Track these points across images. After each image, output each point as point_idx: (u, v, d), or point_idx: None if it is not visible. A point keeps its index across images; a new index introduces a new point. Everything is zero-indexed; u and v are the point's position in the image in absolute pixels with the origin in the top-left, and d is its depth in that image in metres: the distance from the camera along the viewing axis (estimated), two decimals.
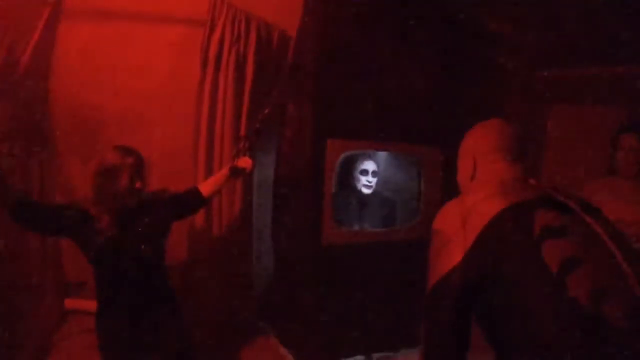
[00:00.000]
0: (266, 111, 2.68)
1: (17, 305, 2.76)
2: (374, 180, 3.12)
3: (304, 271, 2.80)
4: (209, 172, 2.89)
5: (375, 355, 2.97)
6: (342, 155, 2.80)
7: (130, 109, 3.01)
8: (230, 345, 3.02)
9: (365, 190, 3.12)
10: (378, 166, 3.19)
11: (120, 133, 2.88)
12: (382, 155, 3.31)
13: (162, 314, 2.30)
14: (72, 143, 3.09)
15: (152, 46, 3.03)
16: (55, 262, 3.19)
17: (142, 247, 2.17)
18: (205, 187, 2.48)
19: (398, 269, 2.83)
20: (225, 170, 2.53)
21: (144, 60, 3.02)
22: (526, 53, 3.28)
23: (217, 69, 2.85)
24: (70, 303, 3.33)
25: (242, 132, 2.93)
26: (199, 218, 2.90)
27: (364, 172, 3.09)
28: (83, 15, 2.96)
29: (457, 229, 1.23)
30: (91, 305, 3.26)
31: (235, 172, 2.52)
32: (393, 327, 2.95)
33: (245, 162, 2.53)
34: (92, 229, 2.09)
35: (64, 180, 3.07)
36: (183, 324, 2.41)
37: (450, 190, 2.88)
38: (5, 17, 2.52)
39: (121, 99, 3.00)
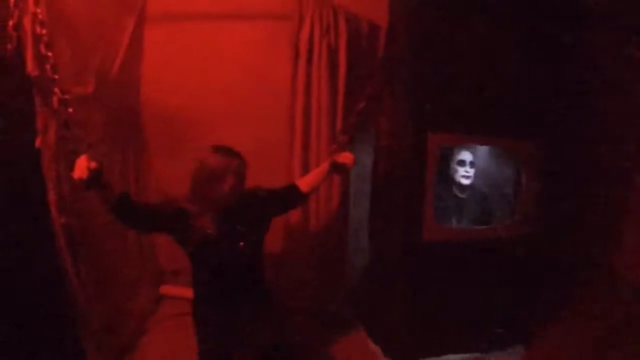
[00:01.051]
0: (362, 105, 2.61)
1: (118, 292, 2.95)
2: (471, 171, 2.97)
3: (401, 266, 2.73)
4: (305, 166, 2.89)
5: (466, 356, 2.88)
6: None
7: (219, 107, 3.07)
8: (319, 336, 3.05)
9: (464, 181, 2.98)
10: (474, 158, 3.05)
11: (210, 131, 2.91)
12: (478, 147, 3.14)
13: (257, 307, 2.34)
14: (162, 144, 3.25)
15: (237, 44, 3.06)
16: (151, 253, 3.44)
17: (241, 244, 2.19)
18: (305, 183, 2.46)
19: (494, 268, 2.74)
20: (325, 166, 2.50)
21: (231, 58, 3.06)
22: None
23: (309, 62, 2.81)
24: (165, 289, 3.58)
25: (339, 126, 2.87)
26: (295, 212, 2.91)
27: (462, 163, 2.96)
28: (166, 20, 3.04)
29: None
30: (185, 291, 3.51)
31: (336, 167, 2.49)
32: (485, 328, 2.86)
33: (346, 157, 2.47)
34: (190, 227, 2.13)
35: (155, 179, 3.28)
36: (278, 317, 2.46)
37: (550, 187, 2.81)
38: (96, 31, 2.61)
39: (209, 98, 3.07)
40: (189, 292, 3.37)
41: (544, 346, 2.90)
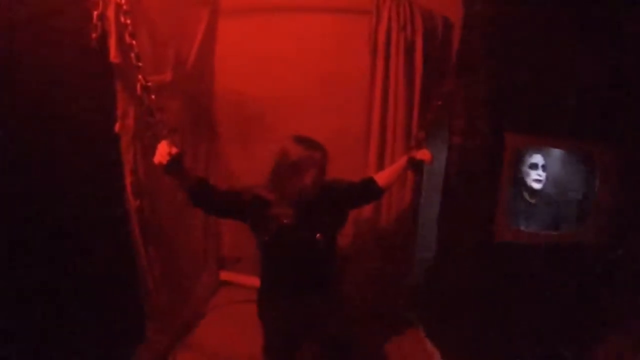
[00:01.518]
0: (438, 102, 2.56)
1: (181, 275, 3.03)
2: (543, 175, 2.86)
3: (470, 266, 2.67)
4: (381, 159, 2.88)
5: None
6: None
7: (295, 98, 3.09)
8: (378, 333, 3.02)
9: (536, 185, 2.86)
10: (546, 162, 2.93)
11: (284, 121, 2.96)
12: (551, 152, 3.02)
13: (326, 299, 2.32)
14: (234, 133, 3.30)
15: (309, 36, 3.06)
16: (215, 240, 3.52)
17: (317, 235, 2.17)
18: (382, 178, 2.43)
19: (564, 274, 2.65)
20: (402, 162, 2.48)
21: (303, 50, 3.07)
22: None
23: (386, 56, 2.78)
24: (225, 275, 3.66)
25: (415, 121, 2.85)
26: (367, 207, 2.90)
27: (534, 166, 2.83)
28: (240, 11, 3.08)
29: None
30: (245, 279, 3.59)
31: (413, 164, 2.47)
32: (548, 337, 2.75)
33: (424, 154, 2.45)
34: (268, 215, 2.13)
35: (225, 167, 3.34)
36: (343, 311, 2.44)
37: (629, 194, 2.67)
38: (172, 21, 2.66)
39: (282, 89, 3.09)
40: (248, 280, 3.50)
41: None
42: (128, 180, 2.51)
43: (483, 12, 2.57)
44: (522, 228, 2.82)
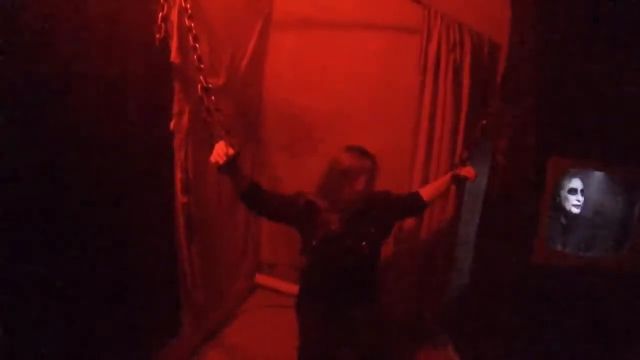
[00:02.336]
0: (484, 122, 2.60)
1: (219, 275, 3.07)
2: (582, 200, 2.84)
3: (506, 286, 2.65)
4: (426, 175, 2.90)
5: None
6: None
7: (338, 112, 3.15)
8: (408, 346, 3.02)
9: (575, 210, 2.85)
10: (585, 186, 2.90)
11: (329, 134, 3.06)
12: (590, 175, 2.98)
13: (366, 309, 2.34)
14: (281, 141, 3.36)
15: (359, 52, 3.12)
16: (255, 242, 3.55)
17: (363, 243, 2.20)
18: (427, 192, 2.46)
19: (601, 301, 2.59)
20: (447, 178, 2.51)
21: (352, 65, 3.12)
22: None
23: (436, 76, 2.81)
24: (261, 279, 3.68)
25: (461, 140, 2.88)
26: (408, 221, 2.92)
27: (573, 191, 2.83)
28: (292, 25, 3.17)
29: None
30: (279, 284, 3.61)
31: (458, 180, 2.50)
32: None
33: (468, 171, 2.49)
34: (317, 221, 2.18)
35: (270, 174, 3.39)
36: (382, 322, 2.46)
37: None
38: (228, 28, 2.73)
39: (330, 102, 3.15)
40: (283, 285, 3.52)
41: None
42: (178, 176, 2.57)
43: (531, 33, 2.56)
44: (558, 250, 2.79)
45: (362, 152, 2.17)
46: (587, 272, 2.59)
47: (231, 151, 2.04)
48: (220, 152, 2.03)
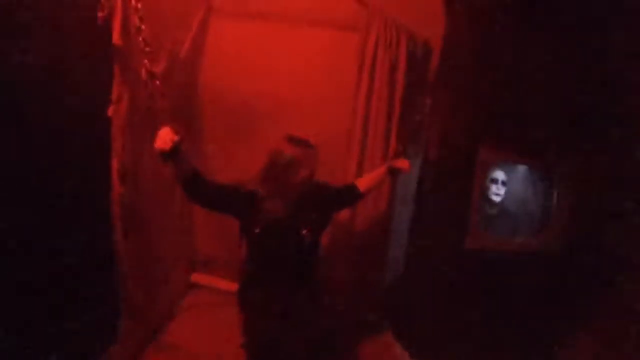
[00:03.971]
0: (418, 117, 2.76)
1: (155, 271, 2.93)
2: (502, 190, 3.06)
3: (442, 272, 2.77)
4: (360, 166, 2.97)
5: None
6: None
7: (278, 101, 3.12)
8: (348, 336, 3.07)
9: (495, 199, 3.06)
10: (508, 177, 3.13)
11: (265, 124, 3.03)
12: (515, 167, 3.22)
13: (308, 298, 2.37)
14: (218, 132, 3.26)
15: (301, 46, 3.14)
16: (188, 240, 3.42)
17: (304, 231, 2.22)
18: (363, 183, 2.52)
19: (527, 281, 2.77)
20: (383, 169, 2.58)
21: (293, 58, 3.13)
22: None
23: (372, 72, 2.89)
24: (196, 277, 3.56)
25: (394, 135, 2.98)
26: (344, 212, 2.94)
27: (494, 181, 3.04)
28: (234, 14, 3.11)
29: None
30: (215, 281, 3.51)
31: (393, 172, 2.60)
32: (516, 344, 2.84)
33: (403, 163, 2.58)
34: (259, 209, 2.16)
35: (205, 162, 3.28)
36: (323, 310, 2.50)
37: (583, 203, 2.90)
38: (171, 14, 2.65)
39: (268, 94, 3.12)
40: (219, 282, 3.43)
41: None
42: (115, 166, 2.42)
43: (463, 34, 2.77)
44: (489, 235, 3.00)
45: (304, 143, 2.19)
46: (513, 254, 2.82)
47: (176, 137, 1.97)
48: (165, 137, 1.95)
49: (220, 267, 3.46)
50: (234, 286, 2.81)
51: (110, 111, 2.37)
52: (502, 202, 3.08)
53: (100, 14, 2.17)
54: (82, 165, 2.29)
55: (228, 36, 3.11)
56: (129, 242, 2.53)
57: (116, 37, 2.25)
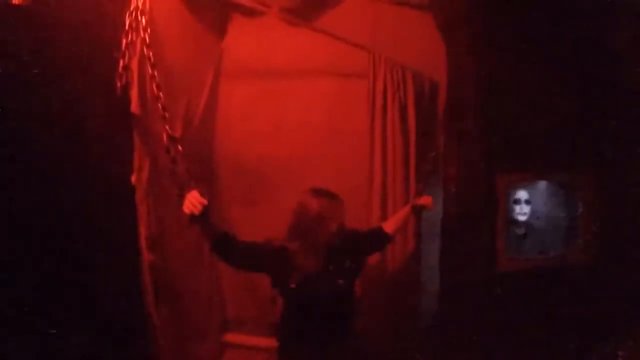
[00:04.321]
0: (433, 154, 2.78)
1: (190, 336, 2.88)
2: (527, 209, 3.05)
3: (475, 299, 2.76)
4: (384, 209, 2.97)
5: None
6: None
7: (294, 157, 3.14)
8: None
9: (520, 218, 3.04)
10: (531, 195, 3.10)
11: (285, 182, 3.02)
12: (536, 187, 3.18)
13: (346, 347, 2.31)
14: (237, 192, 3.26)
15: (308, 99, 3.18)
16: (219, 300, 3.37)
17: (339, 282, 2.21)
18: (390, 225, 2.55)
19: (564, 294, 2.79)
20: (407, 209, 2.62)
21: (302, 112, 3.17)
22: None
23: (384, 115, 2.95)
24: (230, 337, 3.47)
25: (413, 174, 3.00)
26: (373, 257, 2.90)
27: (517, 202, 3.02)
28: (240, 75, 3.18)
29: None
30: (249, 339, 3.43)
31: (417, 209, 2.63)
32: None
33: (426, 199, 2.62)
34: (291, 265, 2.15)
35: (227, 225, 3.28)
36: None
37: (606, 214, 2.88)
38: (183, 79, 2.71)
39: (283, 149, 3.14)
40: (253, 340, 3.35)
41: None
42: (143, 233, 2.43)
43: (464, 62, 2.81)
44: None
45: (329, 194, 2.21)
46: (546, 272, 2.81)
47: (205, 200, 2.00)
48: (194, 201, 1.99)
49: (252, 324, 3.38)
50: (269, 342, 2.77)
51: (133, 179, 2.39)
52: (528, 220, 3.07)
53: (118, 84, 2.23)
54: (109, 236, 2.29)
55: (238, 98, 3.16)
56: (161, 308, 2.49)
57: (134, 106, 2.31)
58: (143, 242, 2.41)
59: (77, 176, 2.13)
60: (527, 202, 3.03)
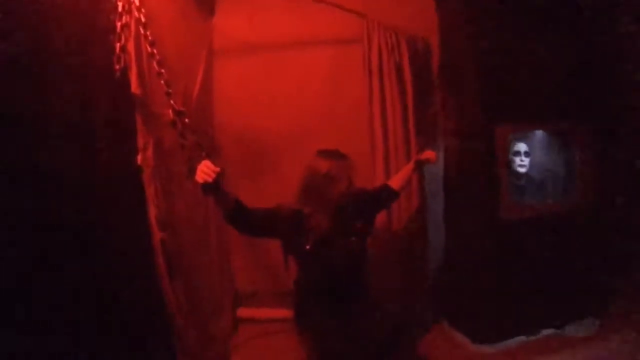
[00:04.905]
0: (431, 111, 2.88)
1: (205, 312, 2.91)
2: (527, 160, 3.13)
3: (483, 248, 2.84)
4: (387, 168, 3.04)
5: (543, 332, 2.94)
6: None
7: (295, 127, 3.19)
8: (408, 337, 2.99)
9: (520, 170, 3.12)
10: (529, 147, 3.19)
11: (287, 152, 3.10)
12: (534, 139, 3.29)
13: (362, 304, 2.36)
14: (241, 164, 3.29)
15: (304, 68, 3.23)
16: (229, 274, 3.43)
17: (353, 239, 2.26)
18: (395, 182, 2.59)
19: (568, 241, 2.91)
20: (411, 165, 2.65)
21: (299, 81, 3.21)
22: None
23: (380, 78, 3.00)
24: (243, 311, 3.53)
25: (412, 131, 3.08)
26: (380, 215, 2.95)
27: (517, 154, 3.10)
28: (235, 51, 3.21)
29: None
30: (263, 312, 3.50)
31: (420, 164, 2.68)
32: (559, 302, 2.94)
33: (429, 154, 2.65)
34: (305, 227, 2.20)
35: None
36: (379, 315, 2.48)
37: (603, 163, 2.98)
38: (180, 59, 2.71)
39: (283, 120, 3.19)
40: (265, 313, 3.42)
41: (618, 316, 2.98)
42: (152, 212, 2.45)
43: (456, 23, 2.92)
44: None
45: (337, 154, 2.25)
46: (547, 216, 2.91)
47: (217, 168, 2.01)
48: (207, 170, 1.99)
49: (264, 297, 3.45)
50: (281, 313, 2.83)
51: (139, 159, 2.40)
52: (527, 171, 3.16)
53: (117, 67, 2.23)
54: (120, 217, 2.31)
55: (234, 74, 3.18)
56: (175, 285, 2.52)
57: (135, 87, 2.31)
58: (153, 222, 2.40)
59: (82, 163, 2.11)
60: (527, 153, 3.11)
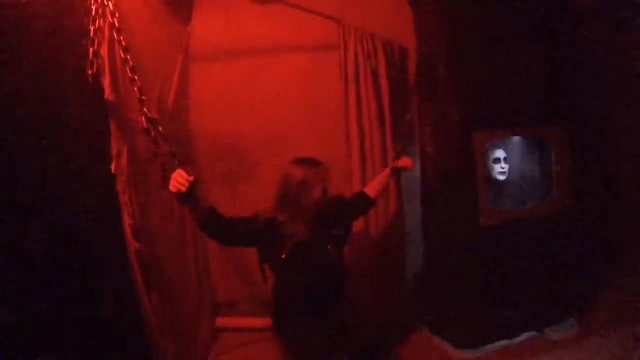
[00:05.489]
0: (408, 117, 2.88)
1: (183, 322, 2.85)
2: (507, 167, 3.16)
3: (462, 253, 2.84)
4: (364, 174, 3.03)
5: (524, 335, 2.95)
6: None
7: (272, 133, 3.17)
8: (389, 343, 3.02)
9: (501, 177, 3.16)
10: (507, 153, 3.23)
11: (267, 156, 3.07)
12: (511, 144, 3.35)
13: (340, 312, 2.37)
14: (217, 172, 3.27)
15: (281, 74, 3.21)
16: (207, 283, 3.37)
17: (329, 247, 2.26)
18: (372, 190, 2.60)
19: (547, 244, 2.92)
20: (387, 172, 2.68)
21: (276, 87, 3.18)
22: None
23: (357, 84, 2.99)
24: (221, 321, 3.48)
25: (389, 138, 3.08)
26: (358, 222, 2.96)
27: (497, 161, 3.14)
28: (212, 56, 3.18)
29: None
30: (242, 322, 3.45)
31: (397, 172, 2.71)
32: (540, 305, 2.96)
33: (405, 161, 2.69)
34: (281, 235, 2.18)
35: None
36: (358, 322, 2.49)
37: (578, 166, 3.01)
38: (155, 65, 2.68)
39: (260, 126, 3.16)
40: (247, 322, 3.37)
41: (598, 317, 3.03)
42: (127, 222, 2.40)
43: (431, 28, 2.92)
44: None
45: (312, 162, 2.23)
46: (526, 222, 2.92)
47: (191, 178, 1.97)
48: (180, 179, 1.95)
49: (243, 306, 3.41)
50: (261, 322, 2.79)
51: (113, 167, 2.35)
52: (508, 177, 3.20)
53: (90, 72, 2.19)
54: (94, 227, 2.26)
55: (210, 80, 3.15)
56: (152, 295, 2.48)
57: (108, 93, 2.27)
58: (128, 231, 2.36)
59: (55, 170, 2.07)
60: (506, 160, 3.15)
